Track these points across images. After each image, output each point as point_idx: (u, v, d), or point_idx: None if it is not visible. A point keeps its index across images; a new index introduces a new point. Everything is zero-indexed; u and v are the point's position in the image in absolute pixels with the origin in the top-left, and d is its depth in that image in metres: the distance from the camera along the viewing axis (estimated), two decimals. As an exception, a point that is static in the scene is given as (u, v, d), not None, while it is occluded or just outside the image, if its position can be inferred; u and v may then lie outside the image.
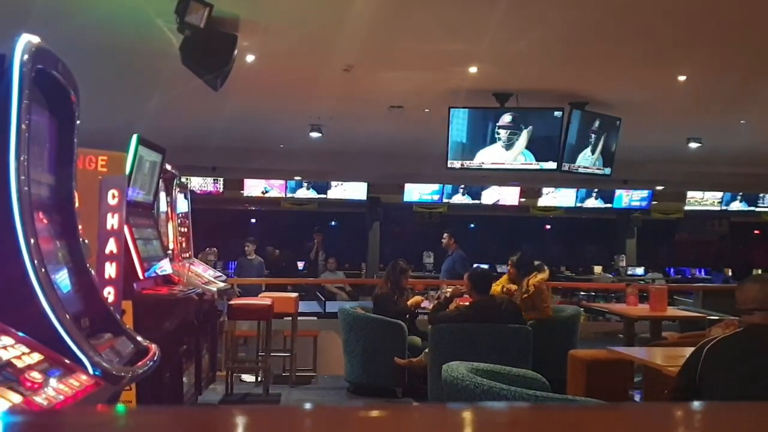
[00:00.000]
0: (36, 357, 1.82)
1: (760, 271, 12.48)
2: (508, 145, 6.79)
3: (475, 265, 8.38)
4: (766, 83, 5.91)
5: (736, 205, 13.56)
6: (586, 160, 7.10)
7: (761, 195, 13.45)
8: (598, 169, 7.26)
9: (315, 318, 7.81)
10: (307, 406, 1.05)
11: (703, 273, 16.07)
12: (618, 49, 5.38)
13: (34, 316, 1.94)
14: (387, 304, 6.06)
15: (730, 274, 14.35)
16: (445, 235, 8.80)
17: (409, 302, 6.22)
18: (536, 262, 6.40)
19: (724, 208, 13.59)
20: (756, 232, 17.10)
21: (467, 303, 5.49)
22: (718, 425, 0.81)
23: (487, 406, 1.28)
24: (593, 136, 7.05)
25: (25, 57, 2.03)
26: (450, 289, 6.16)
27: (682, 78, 6.02)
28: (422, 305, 6.36)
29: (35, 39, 2.08)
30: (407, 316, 6.14)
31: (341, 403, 5.77)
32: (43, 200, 2.31)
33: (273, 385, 6.06)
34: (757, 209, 13.73)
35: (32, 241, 2.00)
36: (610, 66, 5.83)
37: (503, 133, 6.76)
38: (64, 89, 2.33)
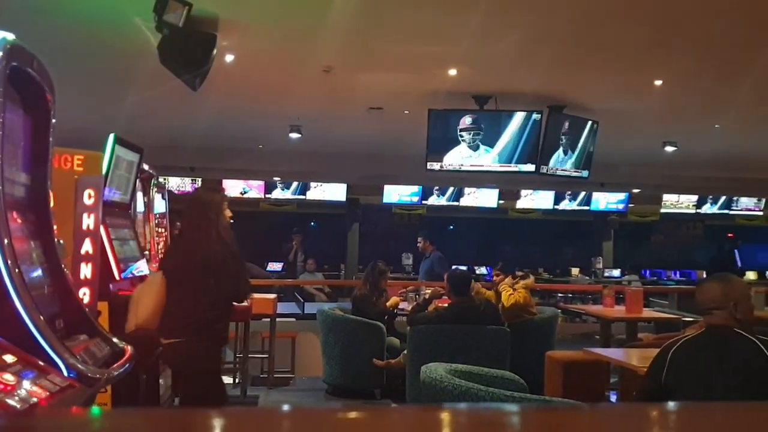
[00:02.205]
0: (9, 359, 1.80)
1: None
2: (486, 147, 6.83)
3: (453, 267, 8.41)
4: (739, 89, 6.01)
5: (709, 208, 13.79)
6: (564, 162, 7.16)
7: (735, 198, 13.67)
8: (575, 171, 7.32)
9: (293, 319, 7.78)
10: (285, 407, 1.05)
11: (678, 275, 16.28)
12: (595, 54, 5.44)
13: (7, 317, 1.91)
14: (366, 306, 6.06)
15: (704, 276, 14.55)
16: (420, 238, 8.80)
17: (387, 303, 6.22)
18: (519, 273, 6.49)
19: (698, 211, 13.80)
20: (729, 234, 17.37)
21: (446, 304, 5.51)
22: (692, 425, 0.82)
23: (465, 407, 1.29)
24: (571, 139, 7.11)
25: (0, 54, 2.00)
26: (429, 291, 6.19)
27: (658, 82, 6.10)
28: (401, 306, 6.38)
29: (10, 36, 2.06)
30: (386, 317, 6.15)
31: (319, 404, 5.75)
32: (17, 200, 2.28)
33: (251, 387, 6.03)
34: (731, 212, 13.95)
35: (6, 240, 1.97)
36: (587, 70, 5.89)
37: (481, 135, 6.79)
38: (39, 87, 2.30)
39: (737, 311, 2.69)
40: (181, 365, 3.51)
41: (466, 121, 6.77)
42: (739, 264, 13.75)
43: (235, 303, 3.69)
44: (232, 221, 3.67)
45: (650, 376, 2.79)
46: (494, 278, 6.56)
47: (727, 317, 2.68)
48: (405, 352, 5.44)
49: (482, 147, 6.81)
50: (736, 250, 13.76)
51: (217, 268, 3.42)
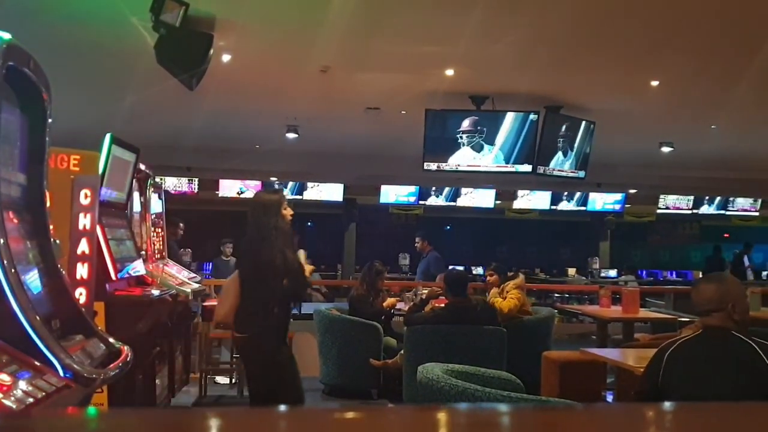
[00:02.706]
0: (5, 359, 1.79)
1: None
2: (484, 148, 6.84)
3: (450, 267, 8.42)
4: (736, 90, 6.02)
5: (706, 209, 13.83)
6: (561, 163, 7.17)
7: (731, 199, 13.71)
8: (572, 172, 7.33)
9: (290, 319, 7.76)
10: (282, 408, 1.05)
11: (674, 275, 16.31)
12: (592, 54, 5.45)
13: (3, 318, 1.91)
14: (363, 306, 6.06)
15: (700, 276, 14.58)
16: (417, 238, 8.78)
17: (384, 304, 6.22)
18: (510, 273, 6.50)
19: (695, 211, 13.84)
20: (725, 235, 17.40)
21: (443, 305, 5.52)
22: (688, 425, 0.82)
23: (462, 407, 1.29)
24: (568, 139, 7.12)
25: (-4, 54, 1.99)
26: (426, 291, 6.20)
27: (654, 83, 6.11)
28: (398, 306, 6.38)
29: (6, 35, 2.05)
30: (383, 317, 6.15)
31: (316, 404, 5.75)
32: (13, 200, 2.27)
33: (247, 387, 6.02)
34: (727, 213, 13.99)
35: (2, 240, 1.97)
36: (584, 71, 5.90)
37: (473, 136, 6.80)
38: (35, 87, 2.30)
39: (735, 312, 2.69)
40: (250, 358, 3.81)
41: (466, 123, 6.78)
42: (747, 265, 13.78)
43: (299, 298, 4.08)
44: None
45: (647, 376, 2.79)
46: (487, 278, 6.58)
47: (724, 318, 2.68)
48: (402, 352, 5.44)
49: (482, 147, 6.82)
50: (745, 255, 13.81)
51: (276, 267, 3.66)
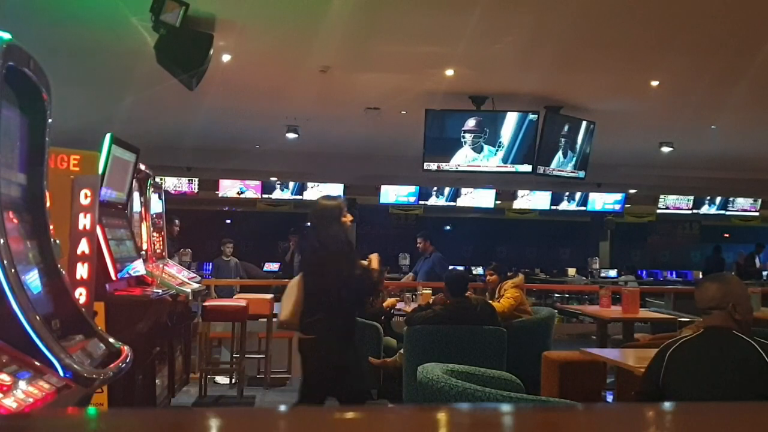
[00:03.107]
0: (5, 359, 1.79)
1: None
2: (484, 148, 6.84)
3: (450, 267, 8.41)
4: (735, 90, 6.03)
5: (707, 209, 13.83)
6: (561, 163, 7.17)
7: (731, 199, 13.71)
8: (572, 172, 7.33)
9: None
10: (282, 408, 1.05)
11: (674, 275, 16.31)
12: (592, 54, 5.45)
13: (3, 318, 1.91)
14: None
15: (701, 276, 14.59)
16: (419, 239, 8.76)
17: (384, 304, 6.22)
18: (509, 273, 6.51)
19: (695, 211, 13.84)
20: (726, 235, 17.40)
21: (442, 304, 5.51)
22: (688, 425, 0.82)
23: (462, 407, 1.29)
24: (568, 139, 7.12)
25: (-4, 54, 1.99)
26: (427, 291, 6.21)
27: (654, 83, 6.11)
28: (398, 306, 6.38)
29: (6, 36, 2.05)
30: (383, 317, 6.15)
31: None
32: (13, 200, 2.27)
33: (247, 387, 6.02)
34: (727, 213, 13.99)
35: (2, 240, 1.97)
36: (584, 71, 5.90)
37: (479, 136, 6.80)
38: (35, 87, 2.30)
39: (736, 312, 2.68)
40: (313, 360, 3.86)
41: (471, 123, 6.78)
42: (758, 265, 13.79)
43: (363, 301, 4.20)
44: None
45: (648, 376, 2.79)
46: (487, 278, 6.57)
47: (726, 318, 2.68)
48: (401, 351, 5.44)
49: (482, 147, 6.82)
50: (757, 256, 13.81)
51: (338, 270, 3.77)
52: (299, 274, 4.02)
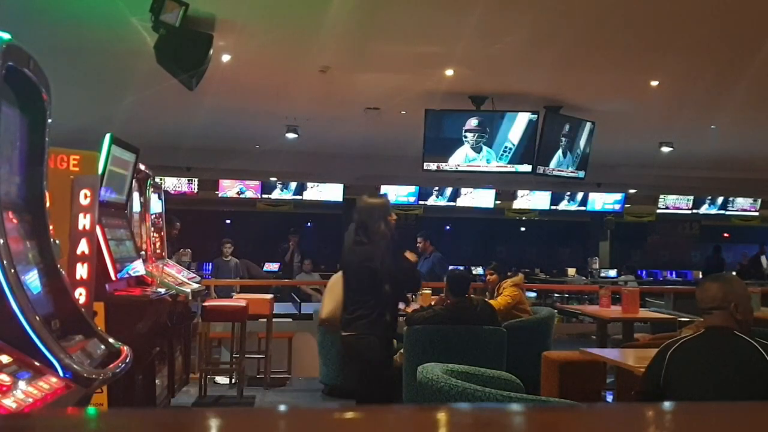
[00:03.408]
0: (5, 359, 1.79)
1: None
2: (484, 148, 6.84)
3: (451, 267, 8.41)
4: (735, 90, 6.03)
5: (707, 209, 13.84)
6: (561, 163, 7.17)
7: (731, 199, 13.71)
8: (572, 172, 7.33)
9: (290, 319, 7.77)
10: (282, 408, 1.04)
11: (674, 275, 16.32)
12: (592, 54, 5.45)
13: (3, 318, 1.91)
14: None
15: (700, 276, 14.59)
16: (419, 239, 8.76)
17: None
18: (509, 273, 6.50)
19: (695, 211, 13.85)
20: (725, 235, 17.41)
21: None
22: (688, 425, 0.82)
23: (462, 407, 1.29)
24: (567, 139, 7.12)
25: (-4, 54, 1.99)
26: (427, 291, 6.21)
27: (654, 83, 6.11)
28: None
29: (6, 36, 2.05)
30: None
31: (316, 404, 5.75)
32: (13, 200, 2.27)
33: (247, 387, 6.02)
34: (727, 212, 14.00)
35: (1, 241, 1.97)
36: (584, 70, 5.90)
37: (479, 136, 6.80)
38: (35, 87, 2.30)
39: (737, 312, 2.68)
40: (355, 356, 3.94)
41: (472, 122, 6.78)
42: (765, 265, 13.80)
43: (406, 297, 4.28)
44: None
45: (648, 376, 2.79)
46: (487, 278, 6.57)
47: (727, 318, 2.68)
48: (401, 351, 5.44)
49: (483, 148, 6.82)
50: (763, 255, 13.81)
51: (383, 267, 3.83)
52: (340, 271, 4.11)
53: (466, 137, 6.78)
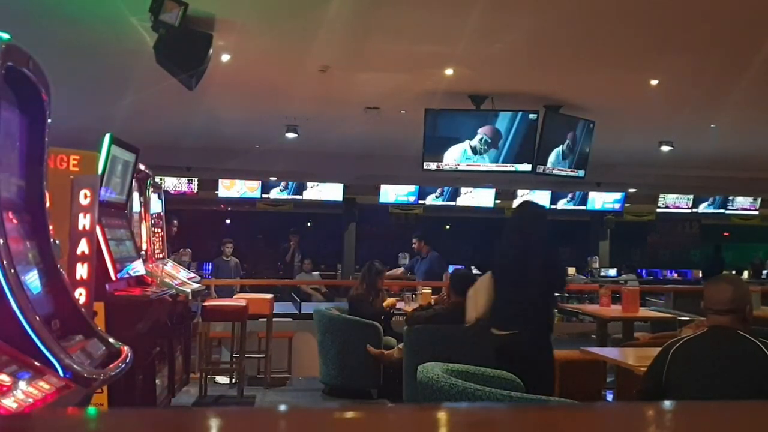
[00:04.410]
0: (4, 359, 1.79)
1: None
2: (484, 147, 6.83)
3: (452, 267, 8.42)
4: (735, 89, 6.02)
5: (707, 208, 13.83)
6: (560, 162, 7.17)
7: (731, 198, 13.71)
8: (572, 171, 7.33)
9: (290, 319, 7.78)
10: (282, 407, 1.05)
11: (674, 274, 16.32)
12: (592, 53, 5.45)
13: (3, 318, 1.91)
14: (362, 305, 6.06)
15: (700, 275, 14.59)
16: (414, 240, 8.74)
17: (384, 303, 6.22)
18: None
19: (694, 210, 13.84)
20: (725, 234, 17.41)
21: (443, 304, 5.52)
22: (689, 424, 0.82)
23: (462, 406, 1.29)
24: (567, 138, 7.12)
25: (-5, 54, 1.99)
26: (427, 291, 6.21)
27: (654, 82, 6.11)
28: (398, 306, 6.38)
29: (6, 36, 2.05)
30: (383, 317, 6.15)
31: (316, 404, 5.75)
32: (13, 200, 2.27)
33: (247, 387, 6.02)
34: (727, 212, 13.99)
35: (2, 241, 1.97)
36: (584, 70, 5.90)
37: (478, 135, 6.80)
38: (35, 87, 2.30)
39: (749, 314, 2.70)
40: (512, 354, 3.98)
41: (470, 122, 6.78)
42: None
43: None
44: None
45: (650, 374, 2.79)
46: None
47: (734, 320, 2.67)
48: (400, 345, 5.44)
49: (482, 147, 6.82)
50: None
51: (538, 267, 4.03)
52: (489, 272, 4.27)
53: (464, 137, 6.77)
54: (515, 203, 13.36)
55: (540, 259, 4.07)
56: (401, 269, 9.28)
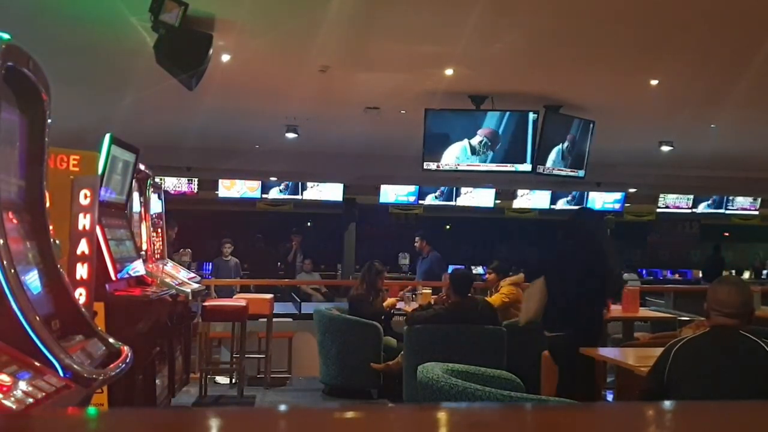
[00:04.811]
0: (4, 359, 1.79)
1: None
2: (483, 147, 6.83)
3: (452, 267, 8.42)
4: (735, 89, 6.02)
5: (707, 208, 13.84)
6: (560, 162, 7.17)
7: (731, 198, 13.71)
8: (572, 171, 7.33)
9: (290, 319, 7.78)
10: (282, 407, 1.05)
11: (674, 274, 16.31)
12: (592, 53, 5.44)
13: (3, 318, 1.91)
14: (362, 305, 6.06)
15: (700, 275, 14.59)
16: (417, 238, 8.77)
17: (384, 303, 6.22)
18: (510, 272, 6.51)
19: (694, 210, 13.85)
20: (725, 234, 17.40)
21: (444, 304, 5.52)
22: (689, 424, 0.82)
23: (462, 406, 1.29)
24: (567, 138, 7.12)
25: (-5, 54, 1.99)
26: (426, 291, 6.21)
27: (654, 82, 6.11)
28: (398, 306, 6.38)
29: (6, 36, 2.05)
30: (383, 317, 6.15)
31: (316, 404, 5.75)
32: (13, 200, 2.27)
33: (247, 387, 6.02)
34: (727, 212, 14.00)
35: (2, 241, 1.97)
36: (584, 70, 5.89)
37: (478, 135, 6.80)
38: (35, 87, 2.30)
39: (753, 315, 2.70)
40: (562, 355, 4.18)
41: (470, 122, 6.78)
42: None
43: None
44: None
45: (653, 374, 2.79)
46: (488, 277, 6.57)
47: (740, 322, 2.67)
48: (403, 353, 5.44)
49: (482, 147, 6.82)
50: None
51: (598, 272, 4.25)
52: (541, 277, 4.42)
53: (464, 137, 6.77)
54: (515, 203, 13.38)
55: (592, 267, 4.22)
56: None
